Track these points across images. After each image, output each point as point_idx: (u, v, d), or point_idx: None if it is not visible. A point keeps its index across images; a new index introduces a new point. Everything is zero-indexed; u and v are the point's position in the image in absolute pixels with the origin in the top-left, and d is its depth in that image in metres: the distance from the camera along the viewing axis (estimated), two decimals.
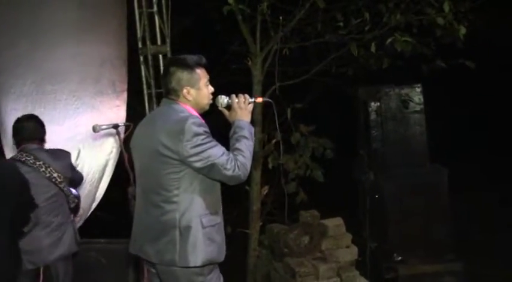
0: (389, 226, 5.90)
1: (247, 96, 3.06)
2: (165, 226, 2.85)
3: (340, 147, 5.85)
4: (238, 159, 2.83)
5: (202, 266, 2.85)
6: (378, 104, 5.92)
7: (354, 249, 5.17)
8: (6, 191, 3.08)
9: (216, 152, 2.80)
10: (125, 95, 5.07)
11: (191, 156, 2.77)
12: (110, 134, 4.66)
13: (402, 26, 4.77)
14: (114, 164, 4.89)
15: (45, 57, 4.50)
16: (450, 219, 5.95)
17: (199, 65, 2.97)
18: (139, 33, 5.21)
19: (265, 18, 4.97)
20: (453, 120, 8.84)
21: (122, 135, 4.12)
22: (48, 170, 3.75)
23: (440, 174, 5.96)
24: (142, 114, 5.38)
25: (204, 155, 2.77)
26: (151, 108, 5.39)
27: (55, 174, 3.78)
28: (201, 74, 2.97)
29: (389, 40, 4.41)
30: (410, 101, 5.84)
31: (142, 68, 5.26)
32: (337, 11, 5.09)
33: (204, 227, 2.85)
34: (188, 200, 2.84)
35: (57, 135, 4.55)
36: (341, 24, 4.66)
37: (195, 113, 2.94)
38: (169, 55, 5.26)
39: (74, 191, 4.02)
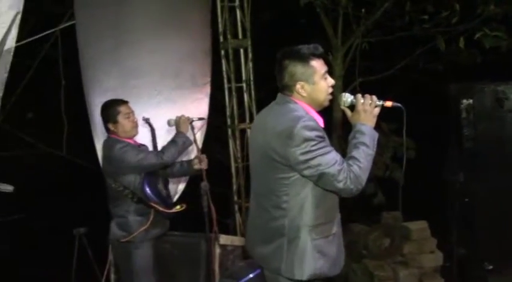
0: (480, 232, 5.51)
1: (374, 97, 2.70)
2: (273, 232, 2.68)
3: (426, 147, 5.55)
4: (352, 170, 2.53)
5: (308, 281, 2.65)
6: (471, 101, 5.56)
7: (439, 255, 4.93)
8: None
9: (328, 160, 2.51)
10: (207, 88, 5.09)
11: (299, 163, 2.52)
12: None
13: (499, 17, 4.38)
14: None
15: (128, 54, 4.59)
16: None
17: (314, 55, 2.64)
18: (220, 27, 5.27)
19: (347, 11, 4.79)
20: None
21: (196, 130, 4.14)
22: None
23: None
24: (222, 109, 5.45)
25: (314, 162, 2.51)
26: (231, 102, 5.42)
27: None
28: (317, 66, 2.64)
29: (477, 35, 4.01)
30: (506, 98, 5.43)
31: (223, 62, 5.31)
32: (427, 2, 4.78)
33: (313, 239, 2.62)
34: (298, 207, 2.61)
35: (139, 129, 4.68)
36: (426, 17, 4.33)
37: (311, 112, 2.67)
38: (249, 49, 5.25)
39: None
